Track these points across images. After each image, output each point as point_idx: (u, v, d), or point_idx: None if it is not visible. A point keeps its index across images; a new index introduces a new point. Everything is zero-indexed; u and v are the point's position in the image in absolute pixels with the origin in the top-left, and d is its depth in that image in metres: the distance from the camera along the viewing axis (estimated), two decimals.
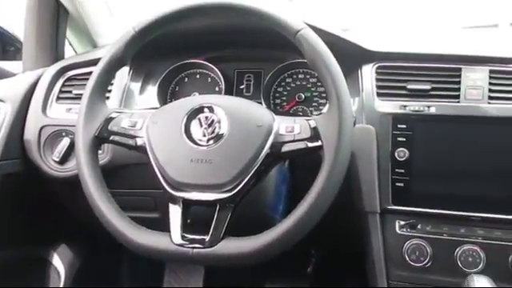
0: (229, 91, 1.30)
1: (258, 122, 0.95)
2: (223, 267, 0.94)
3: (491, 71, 1.08)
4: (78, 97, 1.30)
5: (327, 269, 1.76)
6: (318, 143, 0.92)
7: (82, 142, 1.00)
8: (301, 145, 0.94)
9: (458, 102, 1.08)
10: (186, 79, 1.35)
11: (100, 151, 1.20)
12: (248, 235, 0.92)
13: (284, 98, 1.29)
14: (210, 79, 1.33)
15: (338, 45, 1.07)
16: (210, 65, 1.29)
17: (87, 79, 1.04)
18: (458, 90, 1.08)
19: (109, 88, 1.22)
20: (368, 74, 1.15)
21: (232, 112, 0.96)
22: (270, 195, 1.10)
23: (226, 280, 1.64)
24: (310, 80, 1.27)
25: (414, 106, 1.09)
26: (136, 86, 1.34)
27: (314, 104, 1.27)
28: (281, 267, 1.57)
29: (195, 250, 0.91)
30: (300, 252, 1.67)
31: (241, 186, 0.93)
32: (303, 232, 0.91)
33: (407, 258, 1.09)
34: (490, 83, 1.07)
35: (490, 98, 1.07)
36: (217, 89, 1.32)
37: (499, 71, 1.08)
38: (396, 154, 1.08)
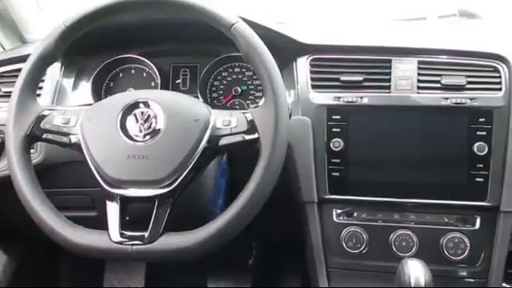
0: (165, 86, 1.29)
1: (194, 116, 0.95)
2: (164, 263, 0.94)
3: (419, 62, 1.12)
4: (8, 95, 1.24)
5: (269, 260, 1.78)
6: (255, 136, 0.93)
7: (13, 141, 0.97)
8: (238, 138, 0.94)
9: (389, 92, 1.11)
10: (121, 74, 1.33)
11: (32, 150, 1.16)
12: (188, 230, 0.92)
13: (221, 92, 1.29)
14: (145, 74, 1.32)
15: (272, 38, 1.08)
16: (145, 59, 1.28)
17: (16, 76, 1.01)
18: (389, 80, 1.12)
19: (40, 85, 1.19)
20: (303, 66, 1.17)
21: (168, 107, 0.96)
22: (209, 189, 1.11)
23: (168, 277, 1.64)
24: (246, 73, 1.28)
25: (347, 97, 1.11)
26: (69, 83, 1.30)
27: (250, 97, 1.28)
28: (223, 260, 1.58)
29: (134, 247, 0.90)
30: (242, 244, 1.68)
31: (179, 180, 0.92)
32: (242, 224, 0.92)
33: (344, 246, 1.12)
34: (419, 74, 1.11)
35: (419, 87, 1.10)
36: (152, 84, 1.30)
37: (427, 62, 1.12)
38: (331, 145, 1.11)
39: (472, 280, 1.10)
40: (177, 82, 1.31)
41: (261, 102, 1.21)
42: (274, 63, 0.95)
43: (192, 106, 0.98)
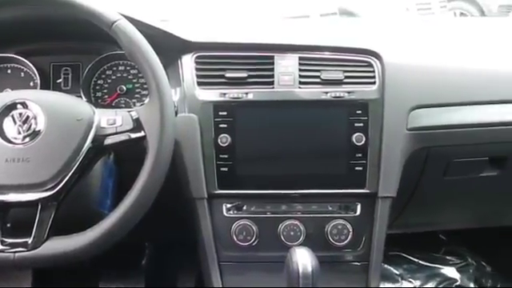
0: (45, 86, 1.23)
1: (77, 116, 0.93)
2: (51, 268, 0.91)
3: (300, 58, 1.16)
4: None
5: (162, 259, 1.77)
6: (141, 134, 0.93)
7: None
8: (124, 136, 0.94)
9: (273, 87, 1.14)
10: None
11: None
12: (77, 233, 0.90)
13: (105, 91, 1.26)
14: (23, 74, 1.25)
15: (156, 36, 1.08)
16: (22, 58, 1.22)
17: None
18: (272, 76, 1.15)
19: None
20: (188, 64, 1.17)
21: (48, 107, 0.93)
22: (96, 190, 1.08)
23: (58, 279, 1.58)
24: (131, 72, 1.26)
25: (232, 93, 1.13)
26: None
27: (136, 96, 1.26)
28: (114, 262, 1.55)
29: (18, 254, 0.87)
30: (133, 245, 1.66)
31: (63, 182, 0.90)
32: (130, 224, 0.91)
33: (235, 239, 1.14)
34: (300, 69, 1.15)
35: (301, 82, 1.14)
36: (31, 84, 1.25)
37: (307, 58, 1.16)
38: (219, 140, 1.12)
39: (356, 263, 1.17)
40: (58, 81, 1.26)
41: (147, 101, 1.20)
42: (158, 61, 0.94)
43: (74, 105, 0.96)
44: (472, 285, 1.80)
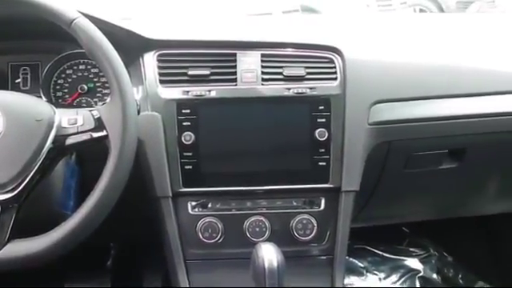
0: (3, 86, 1.21)
1: (36, 117, 0.91)
2: (13, 271, 0.89)
3: (262, 55, 1.16)
4: None
5: (128, 260, 1.76)
6: (103, 133, 0.92)
7: None
8: (85, 136, 0.93)
9: (236, 84, 1.14)
10: None
11: None
12: (39, 235, 0.89)
13: (66, 91, 1.24)
14: None
15: (116, 34, 1.07)
16: None
17: None
18: (235, 73, 1.15)
19: None
20: (149, 62, 1.16)
21: (6, 107, 0.91)
22: (58, 191, 1.07)
23: (21, 282, 1.55)
24: (92, 71, 1.25)
25: (195, 90, 1.13)
26: None
27: (98, 95, 1.25)
28: (79, 264, 1.53)
29: None
30: (98, 246, 1.64)
31: (24, 184, 0.89)
32: (94, 224, 0.90)
33: (201, 236, 1.14)
34: (262, 66, 1.15)
35: (263, 79, 1.14)
36: None
37: (269, 55, 1.17)
38: (183, 138, 1.12)
39: (321, 257, 1.18)
40: (17, 81, 1.24)
41: (108, 100, 1.19)
42: (119, 59, 0.94)
43: (33, 105, 0.94)
44: (434, 275, 1.84)
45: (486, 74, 1.29)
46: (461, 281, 1.86)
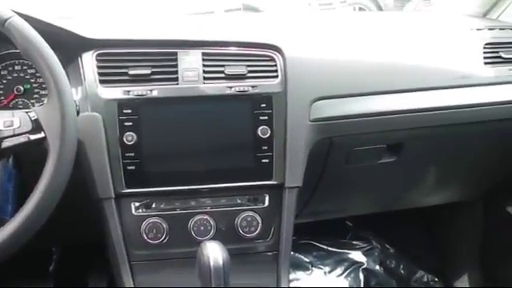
0: None
1: None
2: None
3: (203, 54, 1.16)
4: None
5: (72, 263, 1.72)
6: (41, 135, 0.90)
7: None
8: (22, 138, 0.90)
9: (177, 83, 1.14)
10: None
11: None
12: None
13: (1, 92, 1.21)
14: None
15: (53, 33, 1.05)
16: None
17: None
18: (176, 72, 1.14)
19: None
20: (88, 61, 1.13)
21: None
22: None
23: None
24: (29, 71, 1.21)
25: (136, 90, 1.11)
26: None
27: (35, 96, 1.21)
28: (21, 270, 1.48)
29: None
30: (40, 251, 1.60)
31: None
32: (34, 228, 0.88)
33: (145, 237, 1.13)
34: (204, 65, 1.15)
35: (205, 78, 1.14)
36: None
37: (210, 53, 1.17)
38: (124, 139, 1.10)
39: (266, 253, 1.20)
40: None
41: (46, 101, 1.16)
42: (56, 58, 0.92)
43: None
44: (377, 266, 1.89)
45: (421, 70, 1.34)
46: (402, 271, 1.92)
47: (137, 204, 1.14)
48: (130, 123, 1.11)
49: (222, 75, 1.16)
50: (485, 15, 1.75)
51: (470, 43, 1.41)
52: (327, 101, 1.22)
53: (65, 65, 0.95)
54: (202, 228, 1.15)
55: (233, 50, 1.19)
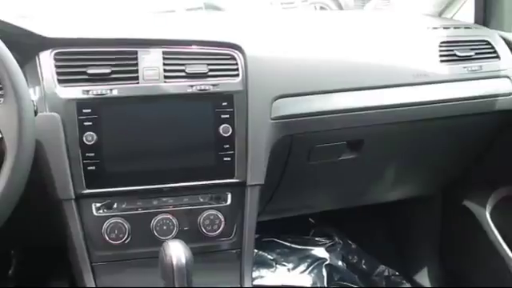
0: None
1: None
2: None
3: (164, 52, 1.15)
4: None
5: (32, 266, 1.69)
6: None
7: None
8: None
9: (138, 82, 1.13)
10: None
11: None
12: None
13: None
14: None
15: (8, 32, 1.03)
16: None
17: None
18: (136, 71, 1.13)
19: None
20: (46, 61, 1.11)
21: None
22: None
23: None
24: None
25: (96, 90, 1.10)
26: None
27: None
28: None
29: None
30: None
31: None
32: None
33: (107, 238, 1.12)
34: (164, 64, 1.14)
35: (166, 77, 1.14)
36: None
37: (171, 52, 1.16)
38: (84, 139, 1.09)
39: (229, 251, 1.20)
40: None
41: (2, 101, 1.13)
42: (11, 58, 0.90)
43: None
44: (340, 262, 1.92)
45: (380, 68, 1.36)
46: (364, 266, 1.95)
47: (98, 204, 1.13)
48: (90, 123, 1.09)
49: (183, 74, 1.15)
50: (440, 14, 1.80)
51: (427, 42, 1.44)
52: (288, 99, 1.23)
53: (22, 64, 0.93)
54: (165, 227, 1.14)
55: (194, 48, 1.19)
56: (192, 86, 1.14)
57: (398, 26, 1.60)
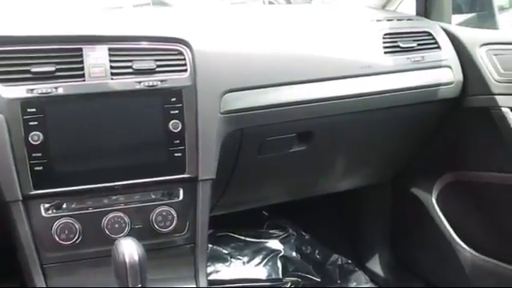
0: None
1: None
2: None
3: (110, 49, 1.14)
4: None
5: None
6: None
7: None
8: None
9: (84, 80, 1.11)
10: None
11: None
12: None
13: None
14: None
15: None
16: None
17: None
18: (82, 69, 1.11)
19: None
20: None
21: None
22: None
23: None
24: None
25: (41, 88, 1.08)
26: None
27: None
28: None
29: None
30: None
31: None
32: None
33: (57, 239, 1.10)
34: (111, 60, 1.13)
35: (113, 74, 1.12)
36: None
37: (117, 49, 1.15)
38: (30, 139, 1.06)
39: (183, 247, 1.21)
40: None
41: None
42: None
43: None
44: (294, 253, 1.95)
45: (327, 60, 1.38)
46: (317, 256, 1.99)
47: (46, 205, 1.11)
48: (36, 122, 1.07)
49: (131, 70, 1.14)
50: (384, 7, 1.84)
51: (371, 34, 1.47)
52: (237, 93, 1.23)
53: None
54: (117, 226, 1.14)
55: (141, 44, 1.18)
56: (140, 82, 1.13)
57: (344, 19, 1.63)
